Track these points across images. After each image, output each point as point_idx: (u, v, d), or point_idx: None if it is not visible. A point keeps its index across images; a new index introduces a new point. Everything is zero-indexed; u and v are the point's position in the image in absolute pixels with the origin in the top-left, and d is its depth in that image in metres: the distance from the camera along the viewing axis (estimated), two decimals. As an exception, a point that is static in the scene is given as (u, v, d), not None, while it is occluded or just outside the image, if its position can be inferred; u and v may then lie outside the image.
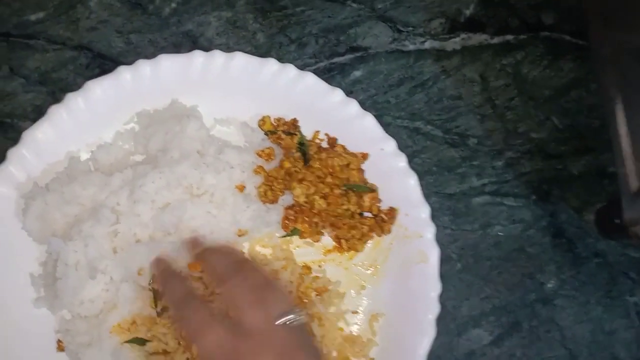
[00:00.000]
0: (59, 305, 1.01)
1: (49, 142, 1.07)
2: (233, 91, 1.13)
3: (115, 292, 1.01)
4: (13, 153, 1.04)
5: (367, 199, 1.11)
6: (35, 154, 1.06)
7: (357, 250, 1.11)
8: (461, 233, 1.18)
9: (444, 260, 1.12)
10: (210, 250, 0.99)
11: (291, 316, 0.87)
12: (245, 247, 1.10)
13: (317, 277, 1.10)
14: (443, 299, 1.08)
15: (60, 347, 1.04)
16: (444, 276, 1.09)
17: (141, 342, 1.01)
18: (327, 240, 1.13)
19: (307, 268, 1.11)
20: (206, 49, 1.13)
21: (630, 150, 0.97)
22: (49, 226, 1.03)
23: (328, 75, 1.22)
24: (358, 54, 1.24)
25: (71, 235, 1.00)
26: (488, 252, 1.18)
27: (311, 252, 1.13)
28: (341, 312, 1.10)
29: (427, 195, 1.11)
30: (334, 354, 1.08)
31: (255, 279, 0.91)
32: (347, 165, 1.11)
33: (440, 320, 1.06)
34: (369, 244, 1.13)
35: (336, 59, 1.23)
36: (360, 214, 1.12)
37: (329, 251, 1.12)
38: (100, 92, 1.08)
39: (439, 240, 1.10)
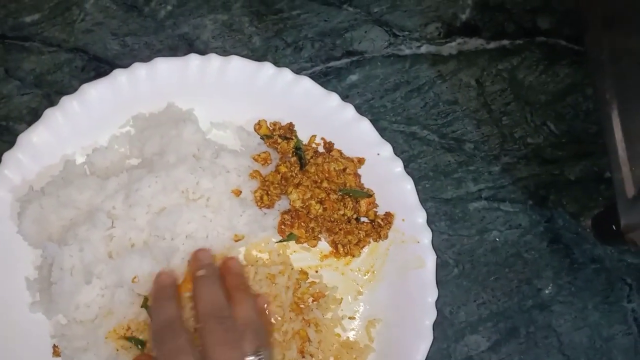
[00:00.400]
0: (54, 310, 1.01)
1: (45, 145, 1.06)
2: (229, 95, 1.12)
3: (110, 297, 1.00)
4: (8, 156, 1.04)
5: (363, 204, 1.11)
6: (30, 157, 1.05)
7: (353, 256, 1.11)
8: (458, 238, 1.18)
9: (441, 265, 1.12)
10: (202, 280, 0.97)
11: (251, 358, 0.88)
12: (241, 252, 1.10)
13: (313, 282, 1.10)
14: (440, 304, 1.07)
15: (56, 353, 1.03)
16: (441, 282, 1.09)
17: (140, 342, 1.00)
18: (323, 245, 1.12)
19: (304, 273, 1.10)
20: (202, 52, 1.13)
21: (626, 156, 0.97)
22: (45, 230, 1.02)
23: (324, 79, 1.21)
24: (354, 58, 1.23)
25: (66, 239, 1.00)
26: (485, 258, 1.18)
27: (307, 257, 1.12)
28: (338, 317, 1.09)
29: (423, 200, 1.11)
30: None
31: (229, 322, 0.91)
32: (344, 170, 1.11)
33: (438, 325, 1.06)
34: (366, 249, 1.12)
35: (332, 63, 1.23)
36: (357, 219, 1.12)
37: (326, 256, 1.12)
38: (95, 95, 1.07)
39: (436, 245, 1.10)
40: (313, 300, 1.09)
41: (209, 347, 0.87)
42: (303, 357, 1.05)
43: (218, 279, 0.98)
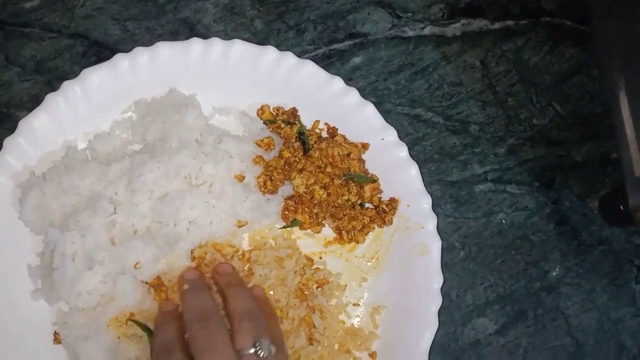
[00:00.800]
0: (56, 297, 1.00)
1: (46, 130, 1.05)
2: (232, 79, 1.12)
3: (112, 285, 1.00)
4: (10, 142, 1.03)
5: (367, 189, 1.10)
6: (32, 142, 1.04)
7: (358, 242, 1.10)
8: (464, 221, 1.17)
9: (447, 248, 1.12)
10: (185, 293, 0.97)
11: (251, 351, 0.87)
12: (244, 238, 1.09)
13: (318, 268, 1.09)
14: (447, 288, 1.08)
15: (57, 340, 1.03)
16: (447, 265, 1.09)
17: (144, 327, 1.00)
18: (327, 232, 1.12)
19: (309, 260, 1.10)
20: (204, 36, 1.12)
21: (633, 135, 0.96)
22: (46, 216, 1.02)
23: (327, 61, 1.21)
24: (357, 40, 1.22)
25: (68, 226, 0.99)
26: (491, 240, 1.17)
27: (311, 243, 1.12)
28: (342, 304, 1.09)
29: (429, 183, 1.11)
30: (336, 346, 1.07)
31: (213, 324, 0.89)
32: (348, 155, 1.10)
33: (444, 309, 1.06)
34: (370, 235, 1.12)
35: (335, 46, 1.22)
36: (361, 205, 1.11)
37: (330, 243, 1.11)
38: (97, 80, 1.07)
39: (442, 228, 1.10)
40: (317, 287, 1.08)
41: (196, 355, 0.86)
42: (311, 344, 1.05)
43: (203, 287, 0.98)
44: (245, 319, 0.91)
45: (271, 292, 1.05)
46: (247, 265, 1.06)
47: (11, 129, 1.04)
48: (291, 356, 1.03)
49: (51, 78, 1.16)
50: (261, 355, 0.87)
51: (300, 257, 1.08)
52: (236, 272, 1.04)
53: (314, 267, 1.10)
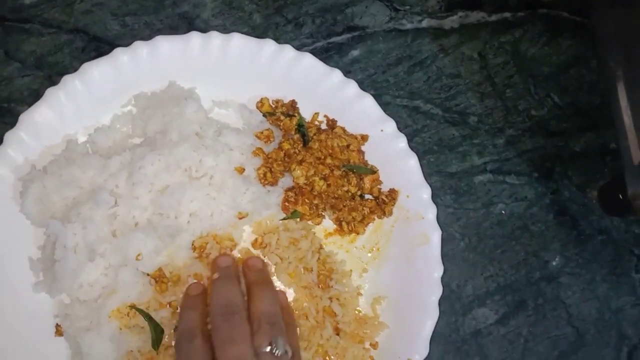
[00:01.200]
0: (57, 289, 1.00)
1: (47, 124, 1.06)
2: (231, 73, 1.12)
3: (114, 277, 1.00)
4: (11, 135, 1.03)
5: (367, 180, 1.10)
6: (32, 136, 1.05)
7: (358, 233, 1.11)
8: (464, 212, 1.18)
9: (447, 239, 1.12)
10: (215, 282, 0.98)
11: (267, 349, 0.88)
12: (245, 230, 1.09)
13: (326, 257, 1.09)
14: (447, 278, 1.08)
15: (59, 332, 1.03)
16: (447, 255, 1.09)
17: (147, 316, 1.00)
18: (327, 223, 1.12)
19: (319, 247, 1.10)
20: (203, 30, 1.12)
21: (631, 123, 0.96)
22: (48, 209, 1.02)
23: (325, 55, 1.21)
24: (355, 34, 1.23)
25: (70, 218, 0.99)
26: (491, 231, 1.17)
27: (312, 235, 1.11)
28: (356, 290, 1.09)
29: (428, 175, 1.11)
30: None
31: (236, 318, 0.91)
32: (347, 146, 1.10)
33: (445, 300, 1.06)
34: (370, 226, 1.12)
35: (333, 39, 1.22)
36: (361, 196, 1.11)
37: (330, 234, 1.12)
38: (97, 74, 1.07)
39: (442, 219, 1.10)
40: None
41: (216, 345, 0.88)
42: (338, 334, 1.05)
43: (233, 278, 0.99)
44: (264, 322, 0.91)
45: (291, 292, 1.07)
46: (261, 251, 1.08)
47: (12, 123, 1.04)
48: (317, 351, 1.04)
49: (51, 73, 1.16)
50: (276, 354, 0.87)
51: (314, 237, 1.09)
52: (265, 269, 1.05)
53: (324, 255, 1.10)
